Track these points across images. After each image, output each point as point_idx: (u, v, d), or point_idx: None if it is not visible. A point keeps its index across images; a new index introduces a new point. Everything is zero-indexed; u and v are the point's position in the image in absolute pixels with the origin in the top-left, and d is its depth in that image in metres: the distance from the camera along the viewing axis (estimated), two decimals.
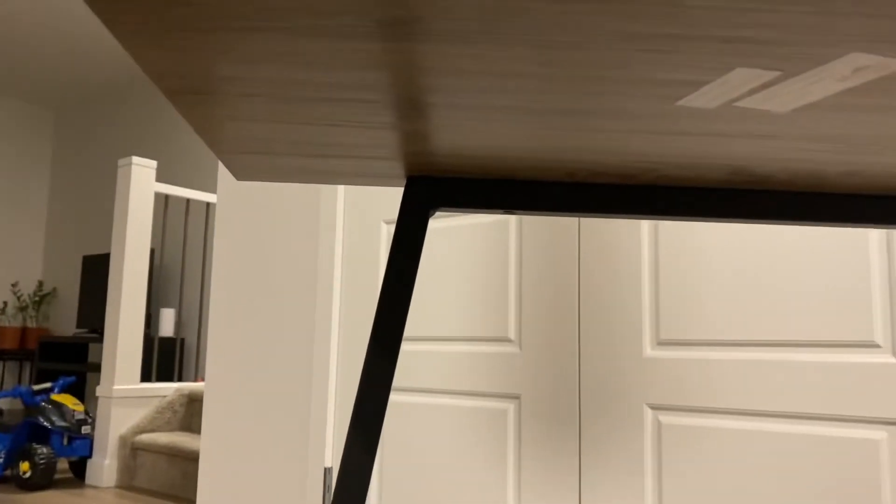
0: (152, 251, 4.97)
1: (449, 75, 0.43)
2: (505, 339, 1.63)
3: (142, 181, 3.84)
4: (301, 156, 0.62)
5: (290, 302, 1.94)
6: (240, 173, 0.66)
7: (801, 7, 0.32)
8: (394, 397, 1.77)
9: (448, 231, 1.71)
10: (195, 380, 4.89)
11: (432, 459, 1.71)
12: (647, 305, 1.47)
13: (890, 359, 1.26)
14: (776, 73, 0.40)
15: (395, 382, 1.77)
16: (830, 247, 1.31)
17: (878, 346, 1.27)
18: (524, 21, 0.35)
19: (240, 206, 2.09)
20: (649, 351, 1.45)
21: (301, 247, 1.95)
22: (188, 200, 4.30)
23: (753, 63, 0.39)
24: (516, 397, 1.60)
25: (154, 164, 3.88)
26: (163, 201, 5.31)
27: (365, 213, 1.90)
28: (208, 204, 4.61)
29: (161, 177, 5.59)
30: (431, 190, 0.61)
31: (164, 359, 4.58)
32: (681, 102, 0.45)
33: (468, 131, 0.54)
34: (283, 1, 0.33)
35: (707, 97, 0.44)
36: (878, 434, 1.25)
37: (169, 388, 3.91)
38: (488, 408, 1.64)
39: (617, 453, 1.47)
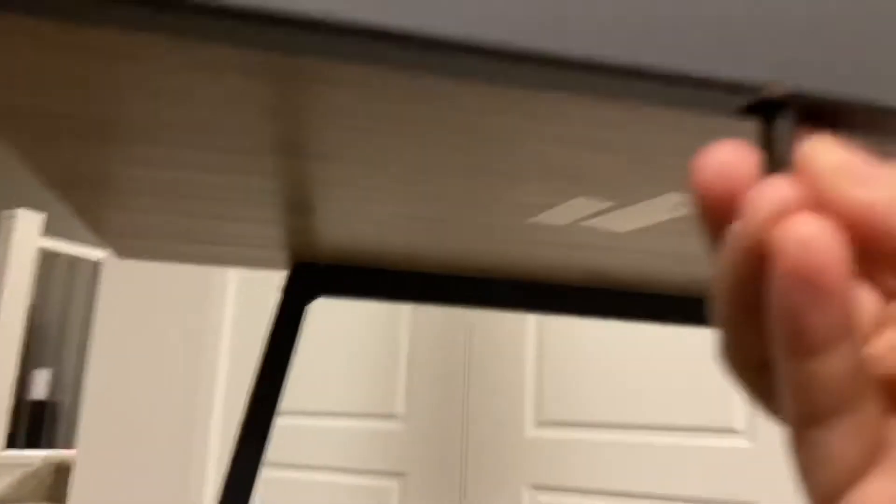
0: (33, 308, 4.71)
1: (329, 186, 0.47)
2: (392, 416, 1.64)
3: (24, 235, 3.67)
4: (187, 242, 0.64)
5: (173, 369, 1.89)
6: (122, 252, 0.67)
7: (627, 157, 0.39)
8: (274, 474, 1.74)
9: (340, 302, 1.73)
10: (71, 446, 4.59)
11: None
12: (530, 386, 1.52)
13: (746, 443, 1.35)
14: (610, 203, 0.46)
15: (276, 458, 1.74)
16: (695, 336, 1.41)
17: (735, 431, 1.36)
18: (386, 151, 0.39)
19: (128, 265, 2.04)
20: (532, 431, 1.50)
21: (189, 313, 1.92)
22: (74, 257, 4.13)
23: (591, 195, 0.45)
24: (401, 475, 1.60)
25: (41, 216, 3.72)
26: (48, 255, 5.07)
27: (258, 281, 1.89)
28: (96, 262, 4.44)
29: (53, 228, 5.34)
30: (314, 278, 0.64)
31: (34, 424, 4.29)
32: (534, 220, 0.51)
33: (349, 229, 0.58)
34: (184, 122, 0.36)
35: (556, 217, 0.50)
36: None
37: (36, 455, 3.66)
38: (372, 486, 1.63)
39: None
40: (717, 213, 0.19)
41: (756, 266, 0.18)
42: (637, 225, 0.51)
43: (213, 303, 1.91)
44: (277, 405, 0.63)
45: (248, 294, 1.90)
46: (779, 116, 0.19)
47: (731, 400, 1.36)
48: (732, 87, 0.19)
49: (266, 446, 0.63)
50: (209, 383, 1.86)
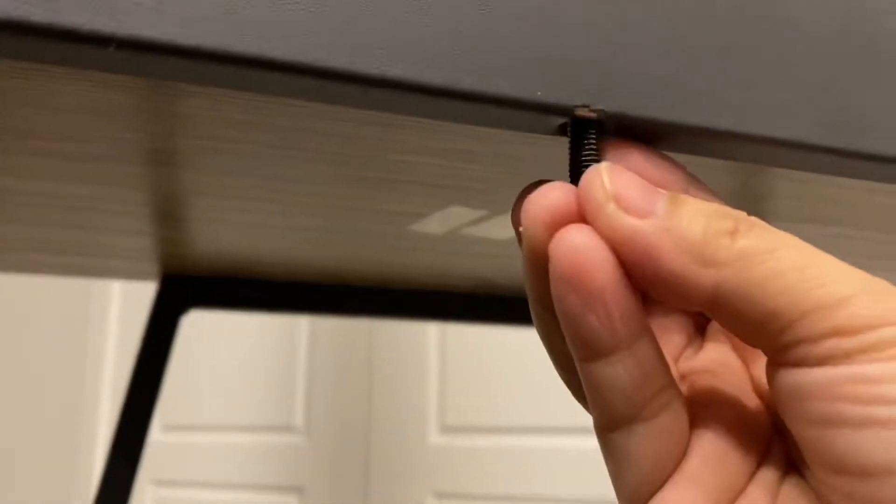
0: None
1: (196, 196, 0.45)
2: (290, 428, 1.60)
3: None
4: (51, 253, 0.60)
5: (53, 388, 1.78)
6: None
7: (491, 167, 0.38)
8: (167, 493, 1.66)
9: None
10: None
11: None
12: (433, 392, 1.51)
13: None
14: (484, 212, 0.45)
15: (169, 476, 1.66)
16: None
17: None
18: (249, 160, 0.37)
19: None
20: (435, 438, 1.49)
21: (71, 326, 1.82)
22: None
23: (464, 203, 0.44)
24: (300, 489, 1.57)
25: None
26: None
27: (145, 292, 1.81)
28: None
29: None
30: (186, 290, 0.61)
31: None
32: (411, 228, 0.50)
33: (221, 239, 0.55)
34: (48, 131, 0.34)
35: (432, 226, 0.49)
36: None
37: None
38: (271, 502, 1.58)
39: None
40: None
41: (543, 272, 0.18)
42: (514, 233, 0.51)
43: (96, 315, 1.82)
44: (149, 425, 0.60)
45: (135, 305, 1.81)
46: (586, 137, 0.20)
47: None
48: (546, 109, 0.19)
49: (138, 468, 0.60)
50: (93, 401, 1.77)
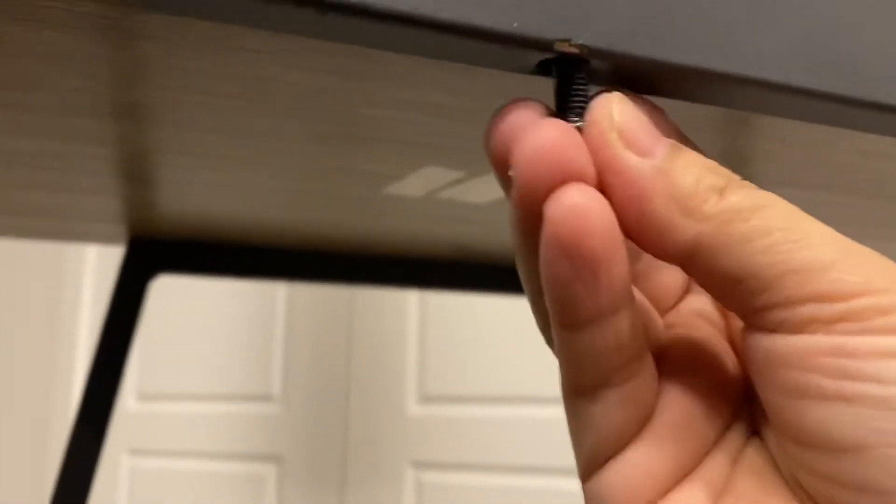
0: None
1: (162, 153, 0.43)
2: (268, 397, 1.59)
3: None
4: (13, 215, 0.58)
5: (25, 354, 1.76)
6: None
7: (465, 122, 0.36)
8: (143, 463, 1.65)
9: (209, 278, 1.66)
10: None
11: None
12: (413, 362, 1.51)
13: None
14: (461, 173, 0.44)
15: (145, 446, 1.65)
16: None
17: None
18: (214, 113, 0.35)
19: None
20: (414, 408, 1.49)
21: (44, 291, 1.79)
22: None
23: (440, 163, 0.42)
24: (279, 458, 1.56)
25: None
26: None
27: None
28: None
29: None
30: (154, 254, 0.59)
31: None
32: (387, 191, 0.48)
33: (190, 200, 0.53)
34: (6, 80, 0.32)
35: (410, 188, 0.47)
36: None
37: None
38: (247, 472, 1.58)
39: None
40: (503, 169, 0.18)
41: (533, 228, 0.17)
42: (494, 195, 0.49)
43: (69, 279, 1.79)
44: (116, 391, 0.58)
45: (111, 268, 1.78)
46: (571, 75, 0.18)
47: None
48: (524, 42, 0.17)
49: (104, 437, 0.58)
50: (67, 367, 1.75)
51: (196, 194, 0.52)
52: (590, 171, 0.17)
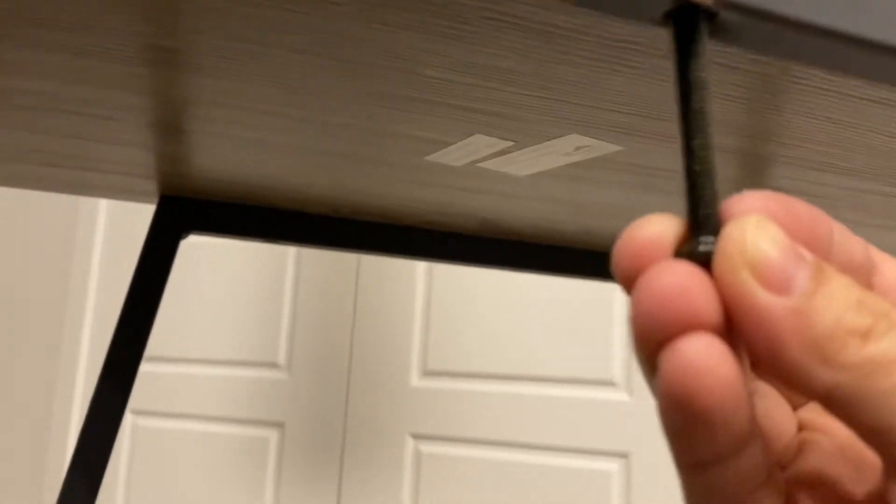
0: None
1: (202, 105, 0.42)
2: (273, 364, 1.60)
3: None
4: (42, 165, 0.57)
5: (35, 307, 1.76)
6: None
7: (529, 91, 0.36)
8: (147, 422, 1.66)
9: (220, 245, 1.65)
10: None
11: (184, 492, 1.62)
12: (417, 336, 1.51)
13: (624, 396, 1.39)
14: (510, 143, 0.43)
15: (150, 406, 1.66)
16: (577, 289, 1.44)
17: (614, 384, 1.40)
18: (271, 65, 0.35)
19: None
20: (416, 381, 1.49)
21: (52, 256, 1.78)
22: None
23: (490, 132, 0.42)
24: (280, 425, 1.57)
25: None
26: None
27: (135, 225, 1.77)
28: None
29: None
30: (185, 212, 0.58)
31: None
32: (429, 158, 0.48)
33: (224, 158, 0.53)
34: (47, 15, 0.31)
35: (452, 156, 0.47)
36: (611, 466, 1.37)
37: None
38: (250, 436, 1.59)
39: (378, 483, 1.49)
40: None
41: (650, 356, 0.16)
42: (536, 169, 0.49)
43: (80, 233, 1.78)
44: (142, 350, 0.58)
45: (120, 222, 1.78)
46: (694, 29, 0.17)
47: (610, 353, 1.40)
48: None
49: (129, 392, 0.58)
50: (76, 322, 1.74)
51: (231, 151, 0.51)
52: (713, 316, 0.16)
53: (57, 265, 1.79)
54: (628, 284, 0.17)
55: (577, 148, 0.44)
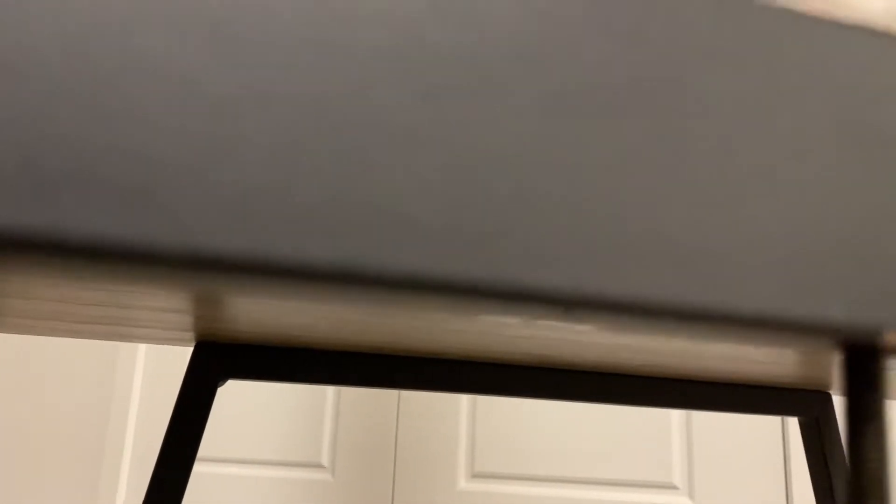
0: None
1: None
2: (317, 465, 1.55)
3: None
4: (79, 322, 0.55)
5: (73, 442, 1.75)
6: (5, 328, 0.57)
7: None
8: None
9: None
10: None
11: None
12: (463, 437, 1.45)
13: (686, 500, 1.31)
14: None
15: None
16: None
17: (675, 487, 1.32)
18: None
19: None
20: (463, 483, 1.43)
21: (92, 394, 1.78)
22: None
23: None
24: None
25: None
26: None
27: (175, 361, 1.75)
28: None
29: None
30: (222, 358, 0.55)
31: None
32: (482, 317, 0.44)
33: (263, 313, 0.50)
34: None
35: (511, 318, 0.43)
36: None
37: None
38: None
39: None
40: None
41: None
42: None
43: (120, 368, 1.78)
44: (182, 495, 0.54)
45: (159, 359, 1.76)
46: (869, 362, 0.14)
47: (669, 455, 1.32)
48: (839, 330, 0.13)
49: None
50: (114, 464, 1.72)
51: (270, 312, 0.48)
52: None
53: (96, 405, 1.79)
54: None
55: None
